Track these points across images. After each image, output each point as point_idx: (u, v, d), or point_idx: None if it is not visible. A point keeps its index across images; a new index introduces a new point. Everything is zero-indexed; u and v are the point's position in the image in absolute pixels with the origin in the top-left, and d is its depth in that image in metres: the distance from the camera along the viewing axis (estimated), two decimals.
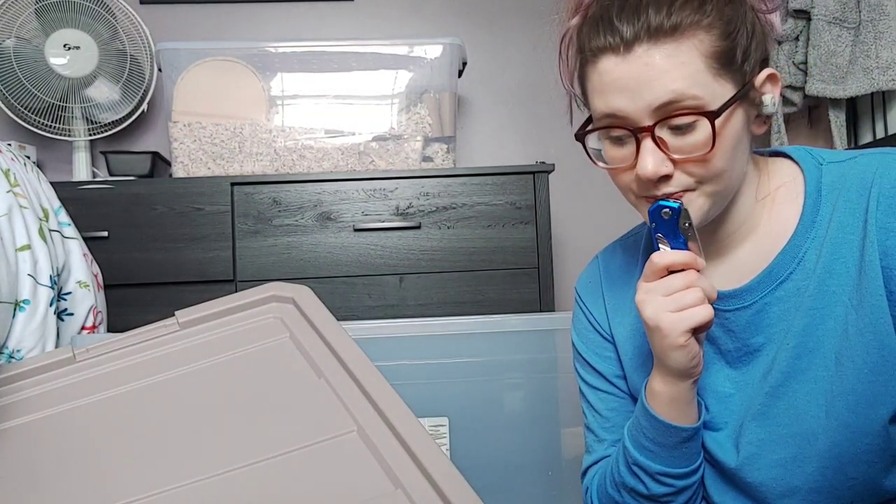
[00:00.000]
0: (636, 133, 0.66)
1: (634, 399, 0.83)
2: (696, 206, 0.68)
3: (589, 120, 0.73)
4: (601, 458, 0.84)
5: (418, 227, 1.73)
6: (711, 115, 0.63)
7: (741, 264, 0.74)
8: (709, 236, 0.74)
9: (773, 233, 0.72)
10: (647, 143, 0.65)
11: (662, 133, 0.65)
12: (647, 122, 0.65)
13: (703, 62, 0.64)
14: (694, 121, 0.64)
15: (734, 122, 0.66)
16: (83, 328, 1.17)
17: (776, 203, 0.73)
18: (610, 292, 0.85)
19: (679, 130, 0.65)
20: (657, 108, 0.64)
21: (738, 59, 0.66)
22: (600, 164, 0.71)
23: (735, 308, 0.73)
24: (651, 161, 0.65)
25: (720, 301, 0.73)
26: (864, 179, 0.67)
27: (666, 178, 0.66)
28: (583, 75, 0.71)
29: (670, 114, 0.64)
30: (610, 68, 0.66)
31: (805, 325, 0.68)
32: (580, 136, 0.72)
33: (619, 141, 0.69)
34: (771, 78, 0.69)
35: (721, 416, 0.74)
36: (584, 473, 0.87)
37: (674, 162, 0.66)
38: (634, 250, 0.86)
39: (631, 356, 0.82)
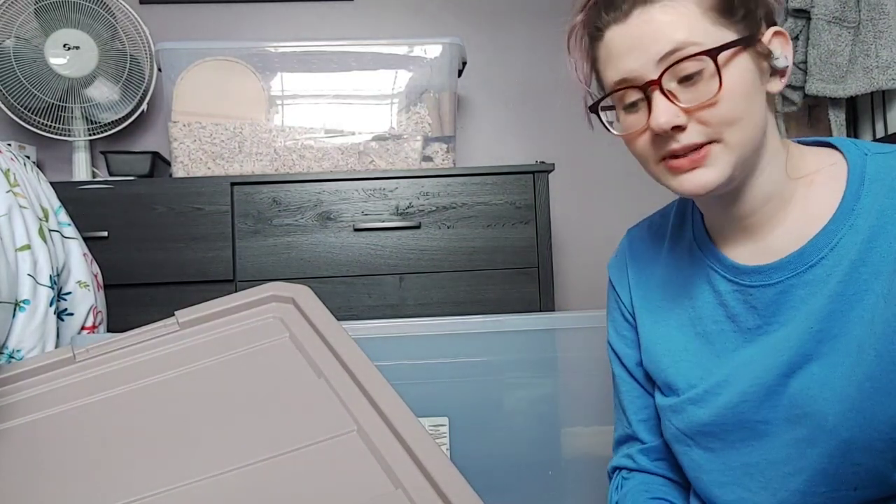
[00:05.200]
0: (645, 89, 0.68)
1: (650, 379, 0.85)
2: (723, 158, 0.68)
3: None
4: (625, 436, 0.90)
5: (418, 227, 1.73)
6: (714, 52, 0.65)
7: (775, 246, 0.73)
8: (735, 209, 0.74)
9: (810, 216, 0.72)
10: (657, 96, 0.67)
11: (671, 87, 0.67)
12: (654, 77, 0.67)
13: (700, 12, 0.67)
14: (700, 69, 0.66)
15: (742, 68, 0.68)
16: (83, 328, 1.17)
17: (814, 185, 0.73)
18: (634, 268, 0.88)
19: (687, 80, 0.67)
20: (662, 59, 0.66)
21: (737, 9, 0.68)
22: (615, 131, 0.73)
23: (760, 284, 0.73)
24: (663, 111, 0.67)
25: (746, 276, 0.74)
26: None
27: (680, 129, 0.68)
28: (595, 59, 0.74)
29: (673, 62, 0.66)
30: (615, 35, 0.69)
31: (831, 310, 0.68)
32: (594, 108, 0.74)
33: (632, 106, 0.71)
34: (778, 34, 0.71)
35: (734, 392, 0.74)
36: (616, 448, 0.92)
37: (686, 112, 0.67)
38: (662, 228, 0.87)
39: (649, 328, 0.84)
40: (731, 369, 0.75)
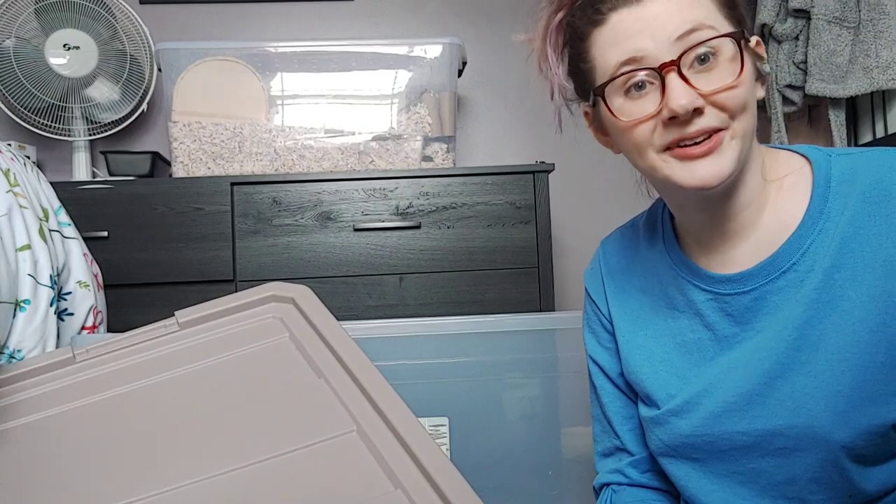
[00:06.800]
0: (660, 70, 0.65)
1: (631, 389, 0.85)
2: (731, 147, 0.67)
3: (595, 95, 0.72)
4: (612, 448, 0.88)
5: (418, 227, 1.73)
6: (738, 34, 0.65)
7: (747, 254, 0.73)
8: (720, 213, 0.73)
9: (779, 222, 0.71)
10: (673, 78, 0.65)
11: (686, 71, 0.65)
12: (670, 57, 0.65)
13: (713, 0, 0.67)
14: (718, 51, 0.65)
15: (749, 60, 0.68)
16: (83, 328, 1.17)
17: (783, 190, 0.72)
18: (609, 277, 0.87)
19: (703, 62, 0.65)
20: (679, 39, 0.65)
21: (737, 7, 0.69)
22: (622, 118, 0.69)
23: (734, 292, 0.73)
24: (683, 93, 0.64)
25: (720, 284, 0.74)
26: (881, 177, 0.67)
27: (699, 112, 0.65)
28: (582, 51, 0.71)
29: (694, 43, 0.65)
30: (624, 17, 0.67)
31: (809, 317, 0.68)
32: (600, 91, 0.70)
33: (639, 89, 0.67)
34: (759, 45, 0.72)
35: (715, 402, 0.74)
36: (600, 463, 0.90)
37: (703, 97, 0.65)
38: (633, 238, 0.87)
39: (628, 338, 0.83)
40: (711, 378, 0.74)
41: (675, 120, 0.66)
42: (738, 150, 0.67)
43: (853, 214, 0.67)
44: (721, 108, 0.66)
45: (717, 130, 0.66)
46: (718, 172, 0.67)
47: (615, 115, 0.70)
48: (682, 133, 0.66)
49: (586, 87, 0.73)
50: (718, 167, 0.67)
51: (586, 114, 0.78)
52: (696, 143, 0.67)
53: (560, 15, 0.74)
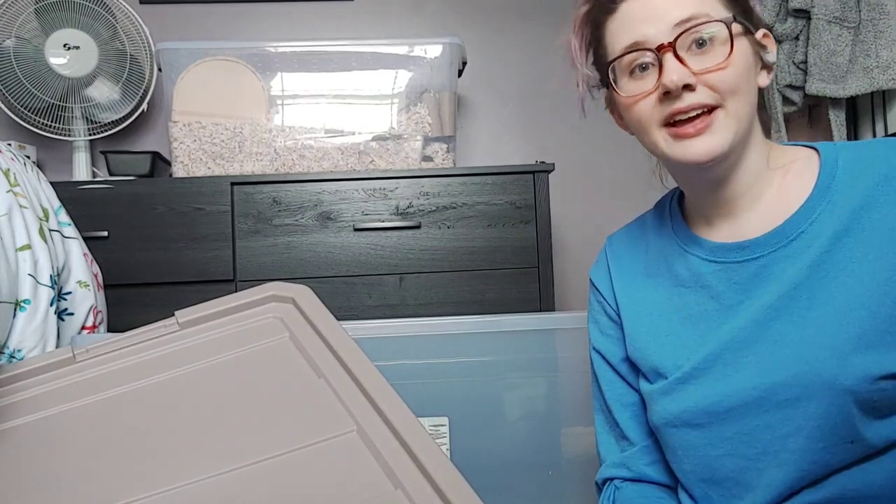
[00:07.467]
0: (658, 51, 0.72)
1: (632, 374, 0.86)
2: (726, 125, 0.72)
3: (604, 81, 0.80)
4: (613, 439, 0.89)
5: (418, 227, 1.73)
6: (728, 20, 0.72)
7: (752, 226, 0.77)
8: (721, 192, 0.78)
9: (786, 200, 0.76)
10: (669, 58, 0.72)
11: (682, 53, 0.72)
12: (669, 41, 0.72)
13: None
14: (713, 35, 0.72)
15: (745, 47, 0.74)
16: (83, 328, 1.17)
17: (790, 174, 0.77)
18: (615, 265, 0.91)
19: (699, 46, 0.72)
20: (677, 25, 0.71)
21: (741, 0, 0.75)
22: (622, 93, 0.76)
23: (742, 260, 0.76)
24: (675, 70, 0.71)
25: (728, 252, 0.78)
26: (889, 155, 0.72)
27: (690, 89, 0.72)
28: (600, 38, 0.79)
29: (688, 27, 0.71)
30: (632, 6, 0.75)
31: (818, 276, 0.71)
32: (604, 69, 0.78)
33: (641, 70, 0.75)
34: (767, 36, 0.78)
35: (724, 364, 0.75)
36: (604, 455, 0.90)
37: (695, 75, 0.71)
38: (641, 229, 0.91)
39: (634, 319, 0.85)
40: (719, 343, 0.76)
41: (669, 95, 0.72)
42: (734, 129, 0.73)
43: (863, 191, 0.71)
44: (712, 87, 0.72)
45: (711, 108, 0.72)
46: (711, 150, 0.72)
47: (618, 93, 0.77)
48: (676, 107, 0.72)
49: (602, 71, 0.80)
50: (711, 145, 0.72)
51: (607, 99, 0.85)
52: (690, 122, 0.73)
53: (585, 8, 0.81)
